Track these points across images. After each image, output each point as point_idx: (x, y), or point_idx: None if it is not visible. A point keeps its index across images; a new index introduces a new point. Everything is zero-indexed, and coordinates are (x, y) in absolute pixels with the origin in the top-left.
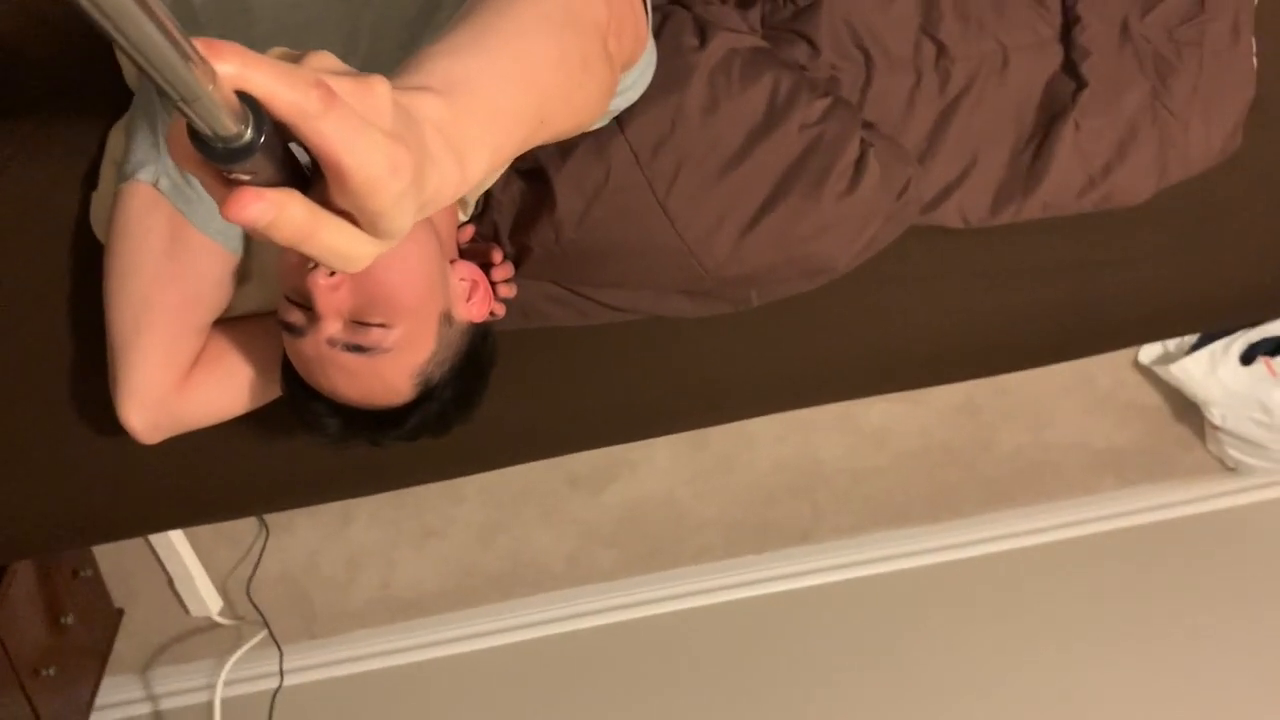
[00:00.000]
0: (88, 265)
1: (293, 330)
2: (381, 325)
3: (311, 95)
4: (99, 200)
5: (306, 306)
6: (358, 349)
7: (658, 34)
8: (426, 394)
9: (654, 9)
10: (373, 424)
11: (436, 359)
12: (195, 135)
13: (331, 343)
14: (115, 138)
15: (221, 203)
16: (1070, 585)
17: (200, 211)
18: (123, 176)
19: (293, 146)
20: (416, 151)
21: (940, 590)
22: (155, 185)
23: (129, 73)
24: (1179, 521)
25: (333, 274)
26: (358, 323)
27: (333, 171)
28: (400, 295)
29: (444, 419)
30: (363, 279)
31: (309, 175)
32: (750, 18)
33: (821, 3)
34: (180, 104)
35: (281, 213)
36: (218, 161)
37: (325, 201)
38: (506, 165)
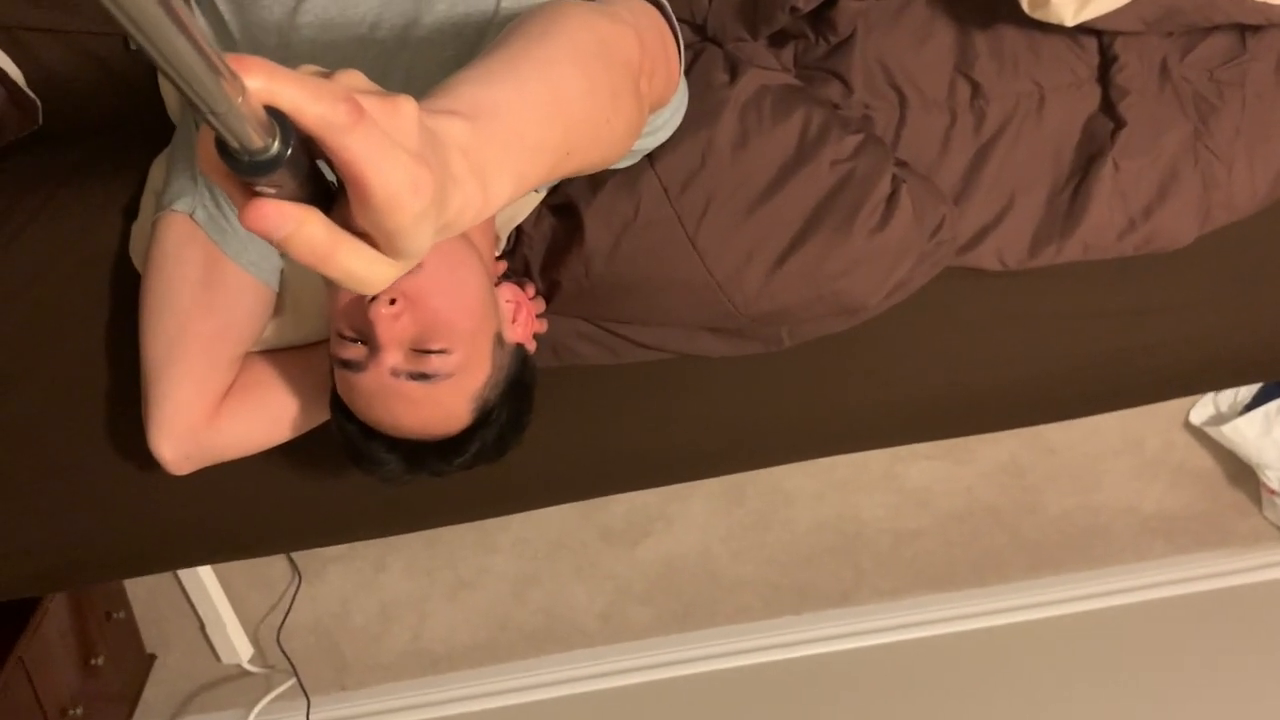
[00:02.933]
0: (125, 296)
1: (352, 366)
2: (441, 351)
3: (339, 109)
4: (138, 231)
5: (363, 340)
6: (421, 377)
7: (689, 70)
8: (484, 418)
9: (686, 47)
10: (434, 454)
11: (492, 381)
12: (223, 147)
13: (395, 373)
14: (156, 170)
15: (241, 210)
16: (1120, 654)
17: (235, 243)
18: (160, 206)
19: (321, 168)
20: (439, 172)
21: (984, 656)
22: (192, 216)
23: (171, 106)
24: (1233, 591)
25: (393, 302)
26: (418, 351)
27: (355, 187)
28: (458, 320)
29: (501, 442)
30: (421, 306)
31: (334, 194)
32: (783, 56)
33: (854, 42)
34: (208, 116)
35: (300, 229)
36: (243, 174)
37: (347, 223)
38: (531, 191)
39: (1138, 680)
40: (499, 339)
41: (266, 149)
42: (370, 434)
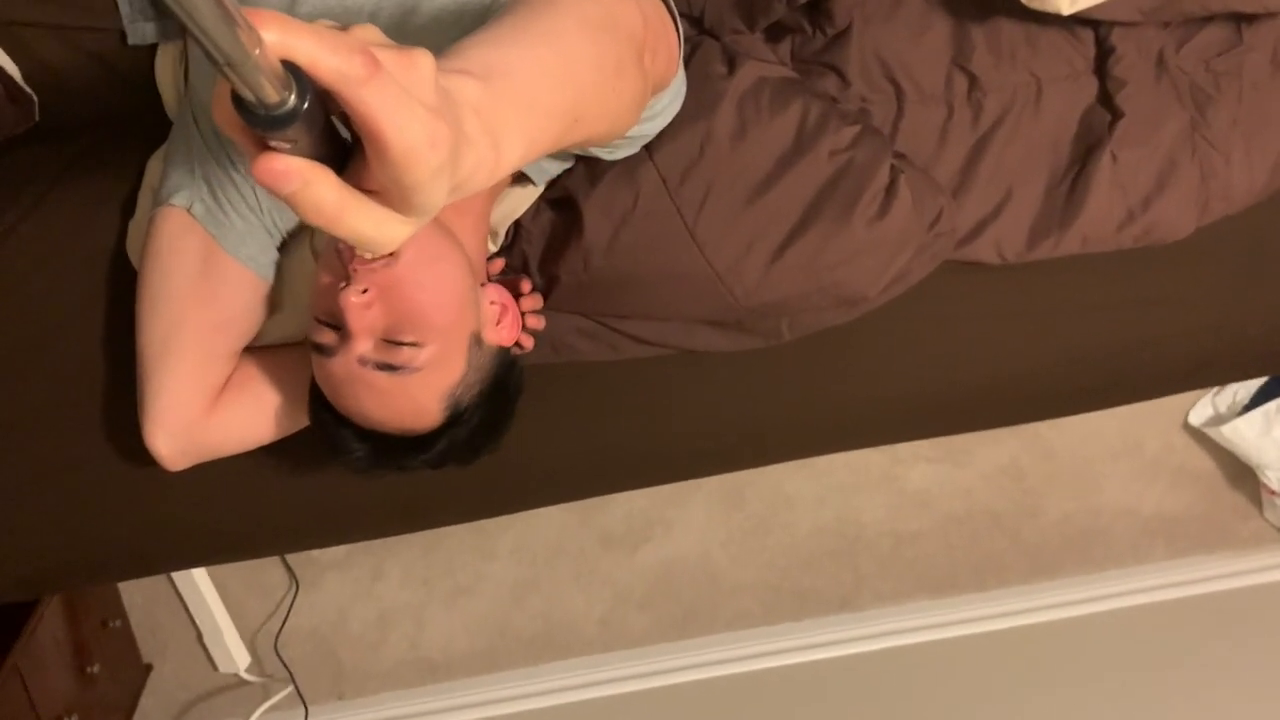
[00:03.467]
0: (122, 293)
1: (323, 350)
2: (413, 344)
3: (355, 61)
4: (135, 228)
5: (337, 327)
6: (389, 368)
7: (687, 62)
8: (455, 418)
9: (684, 40)
10: (401, 449)
11: (466, 381)
12: (239, 101)
13: (363, 361)
14: (153, 166)
15: (252, 163)
16: (1121, 658)
17: (232, 236)
18: (158, 201)
19: (338, 126)
20: (454, 129)
21: (985, 661)
22: (189, 210)
23: (169, 102)
24: (1234, 593)
25: (365, 291)
26: (389, 341)
27: (372, 140)
28: (431, 314)
29: (472, 445)
30: (395, 297)
31: (349, 152)
32: (780, 50)
33: (851, 35)
34: (225, 68)
35: (308, 187)
36: (259, 128)
37: (361, 183)
38: (538, 157)
39: (1139, 683)
40: (477, 339)
41: (283, 103)
42: (342, 421)
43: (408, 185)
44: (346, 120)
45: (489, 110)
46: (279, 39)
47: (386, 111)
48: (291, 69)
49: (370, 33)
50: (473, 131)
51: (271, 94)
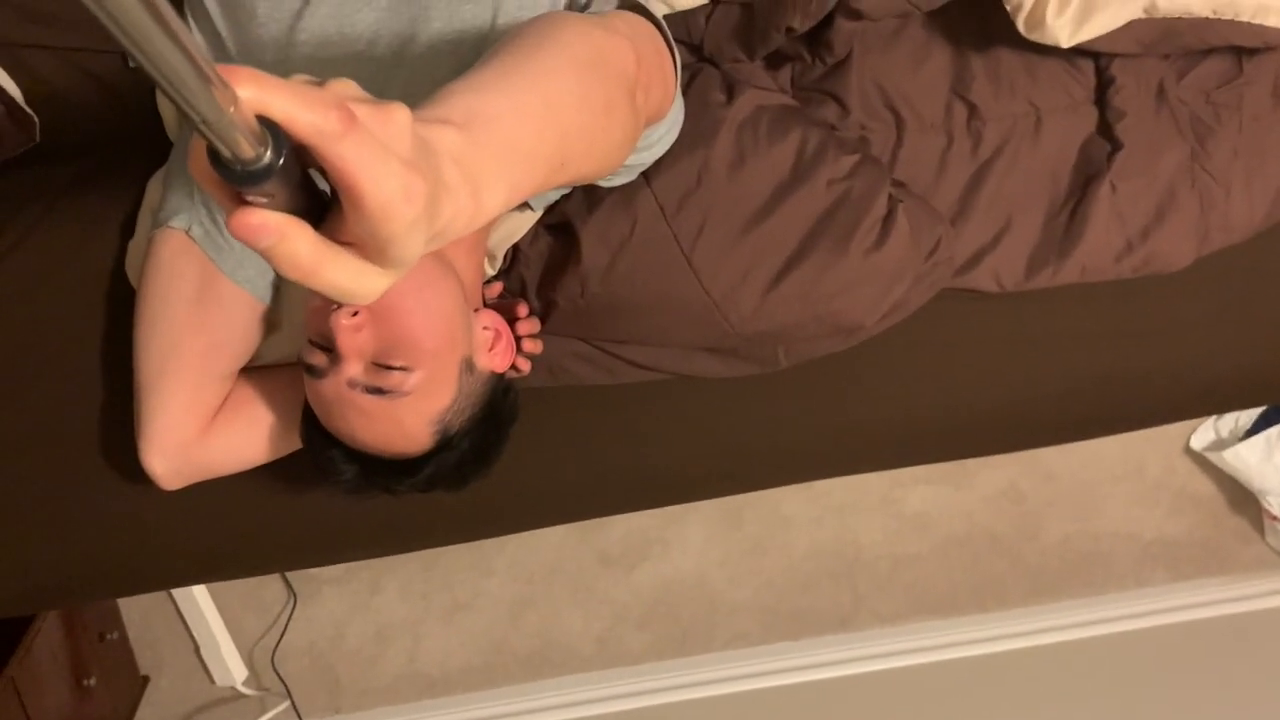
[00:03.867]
0: (120, 314)
1: (314, 372)
2: (402, 369)
3: (331, 117)
4: (134, 249)
5: (329, 349)
6: (377, 391)
7: (685, 90)
8: (444, 443)
9: (683, 67)
10: (389, 472)
11: (456, 407)
12: (216, 157)
13: (352, 384)
14: (153, 188)
15: (229, 219)
16: (1121, 682)
17: (230, 259)
18: (156, 223)
19: (315, 178)
20: (431, 181)
21: (984, 683)
22: (188, 232)
23: (169, 124)
24: (1235, 618)
25: (356, 314)
26: (379, 365)
27: (348, 195)
28: (422, 339)
29: (461, 471)
30: (386, 321)
31: (326, 205)
32: (780, 78)
33: (851, 63)
34: (200, 125)
35: (283, 241)
36: (235, 183)
37: (338, 235)
38: (526, 207)
39: (1139, 708)
40: (468, 365)
41: (258, 158)
42: (331, 442)
43: (384, 238)
44: (323, 172)
45: (469, 158)
46: (254, 95)
47: (362, 166)
48: (267, 124)
49: (346, 87)
50: (452, 181)
51: (247, 150)
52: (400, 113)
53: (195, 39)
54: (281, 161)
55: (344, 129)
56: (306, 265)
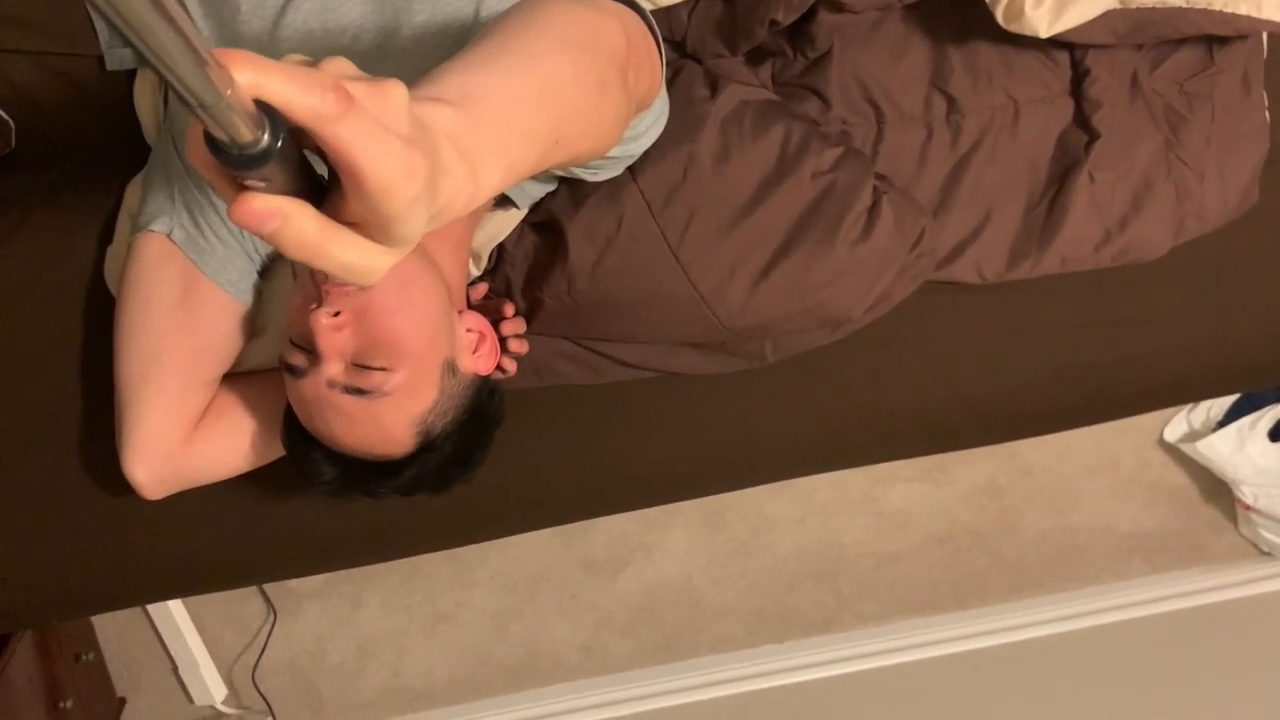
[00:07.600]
0: (100, 321)
1: (294, 372)
2: (383, 369)
3: (328, 99)
4: (113, 255)
5: (309, 349)
6: (357, 391)
7: (669, 85)
8: (426, 445)
9: (667, 63)
10: (370, 474)
11: (438, 409)
12: (212, 142)
13: (331, 384)
14: (132, 192)
15: (230, 205)
16: (1101, 674)
17: (213, 262)
18: (136, 227)
19: (312, 160)
20: (430, 158)
21: (967, 680)
22: (169, 236)
23: (147, 128)
24: (1211, 608)
25: (337, 314)
26: (359, 365)
27: (348, 175)
28: (403, 339)
29: (443, 473)
30: (367, 321)
31: (325, 186)
32: (761, 74)
33: (831, 58)
34: (197, 110)
35: (289, 223)
36: (233, 168)
37: (339, 215)
38: (519, 180)
39: (1119, 700)
40: (451, 366)
41: (256, 142)
42: (313, 444)
43: (386, 216)
44: (321, 154)
45: (465, 136)
46: (251, 79)
47: (361, 145)
48: (264, 107)
49: (342, 65)
50: (449, 159)
51: (245, 134)
52: (396, 89)
53: (191, 23)
54: (280, 144)
55: (341, 110)
56: (313, 244)
